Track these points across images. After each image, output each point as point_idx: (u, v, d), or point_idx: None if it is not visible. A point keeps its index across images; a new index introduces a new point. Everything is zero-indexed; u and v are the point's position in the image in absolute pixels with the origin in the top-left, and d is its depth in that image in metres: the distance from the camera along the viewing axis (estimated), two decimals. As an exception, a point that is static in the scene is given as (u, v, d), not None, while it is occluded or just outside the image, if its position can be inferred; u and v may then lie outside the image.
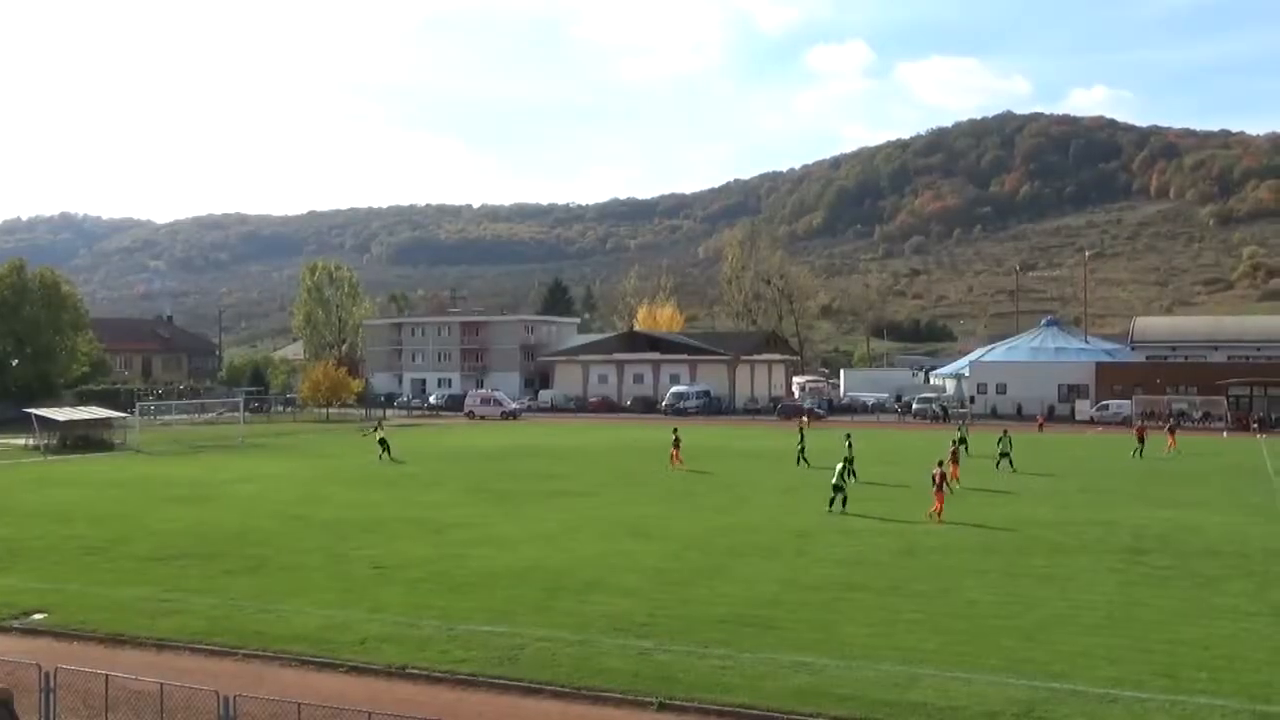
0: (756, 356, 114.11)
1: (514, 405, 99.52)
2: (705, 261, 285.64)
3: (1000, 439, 47.89)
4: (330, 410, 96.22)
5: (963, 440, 47.33)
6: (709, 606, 20.87)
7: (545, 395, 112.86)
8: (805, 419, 71.19)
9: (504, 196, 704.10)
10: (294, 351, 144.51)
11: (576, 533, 30.04)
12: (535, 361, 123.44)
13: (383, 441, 53.94)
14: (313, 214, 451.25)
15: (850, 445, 43.36)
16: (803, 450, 49.05)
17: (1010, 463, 46.24)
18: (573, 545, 28.00)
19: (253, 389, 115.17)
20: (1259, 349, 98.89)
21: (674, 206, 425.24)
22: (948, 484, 33.05)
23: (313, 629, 19.43)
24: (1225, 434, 73.34)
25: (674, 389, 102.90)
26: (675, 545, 27.84)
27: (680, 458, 48.37)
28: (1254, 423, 78.24)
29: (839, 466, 34.66)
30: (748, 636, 18.64)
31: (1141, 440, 54.21)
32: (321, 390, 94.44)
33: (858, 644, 18.14)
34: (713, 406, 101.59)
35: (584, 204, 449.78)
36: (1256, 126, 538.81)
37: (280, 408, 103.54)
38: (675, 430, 51.71)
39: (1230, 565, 25.03)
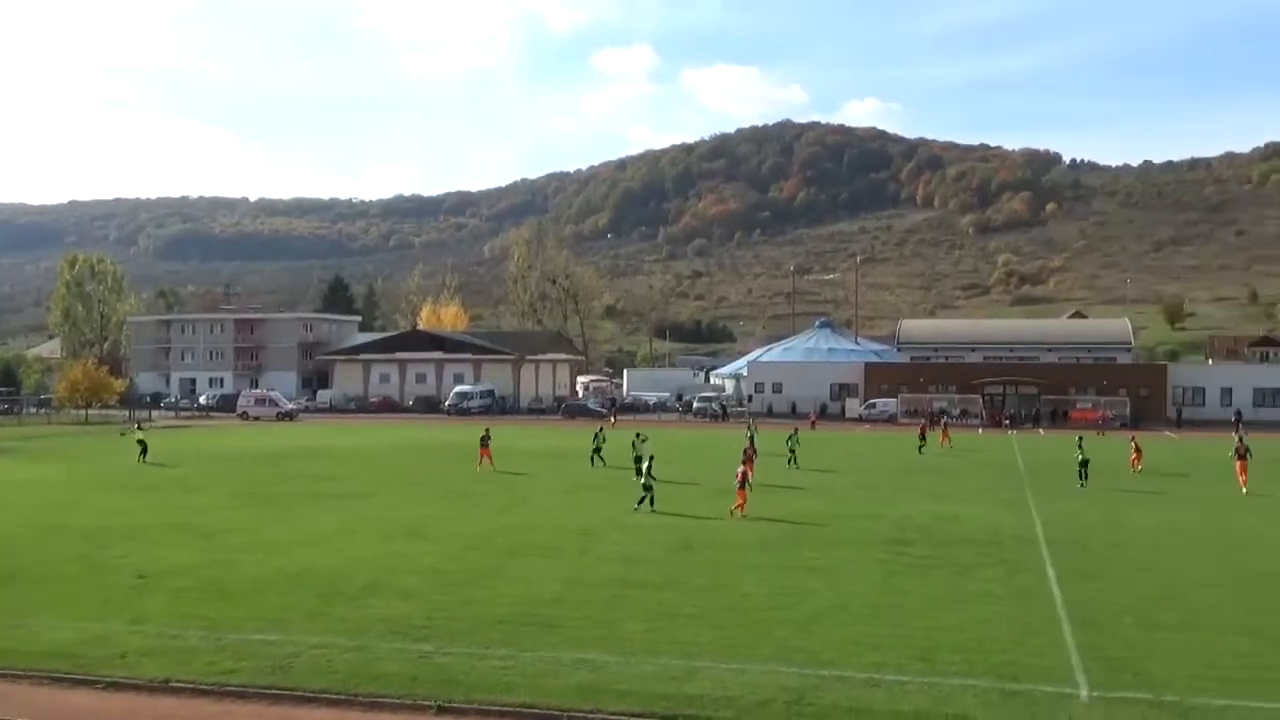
0: (542, 356, 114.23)
1: (290, 406, 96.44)
2: (491, 260, 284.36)
3: (790, 437, 49.71)
4: (90, 412, 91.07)
5: (752, 439, 48.89)
6: (490, 607, 20.71)
7: (324, 395, 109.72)
8: (612, 419, 71.92)
9: (282, 190, 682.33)
10: (50, 349, 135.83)
11: (353, 535, 29.31)
12: (314, 360, 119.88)
13: (141, 443, 51.54)
14: (73, 204, 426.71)
15: (639, 442, 44.07)
16: (599, 450, 49.28)
17: (795, 460, 47.82)
18: (349, 548, 27.30)
19: (3, 389, 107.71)
20: (1011, 350, 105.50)
21: (460, 204, 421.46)
22: (749, 482, 33.49)
23: (68, 644, 18.24)
24: (980, 430, 77.91)
25: (458, 389, 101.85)
26: (455, 546, 27.53)
27: (490, 456, 47.68)
28: (1006, 419, 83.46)
29: (646, 465, 34.87)
30: (529, 636, 18.59)
31: (923, 437, 57.24)
32: (80, 391, 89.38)
33: (637, 639, 18.35)
34: (497, 406, 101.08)
35: (367, 200, 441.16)
36: (1012, 142, 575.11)
37: (34, 409, 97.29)
38: (486, 430, 51.17)
39: (984, 554, 26.56)
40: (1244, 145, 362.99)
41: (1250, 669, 16.71)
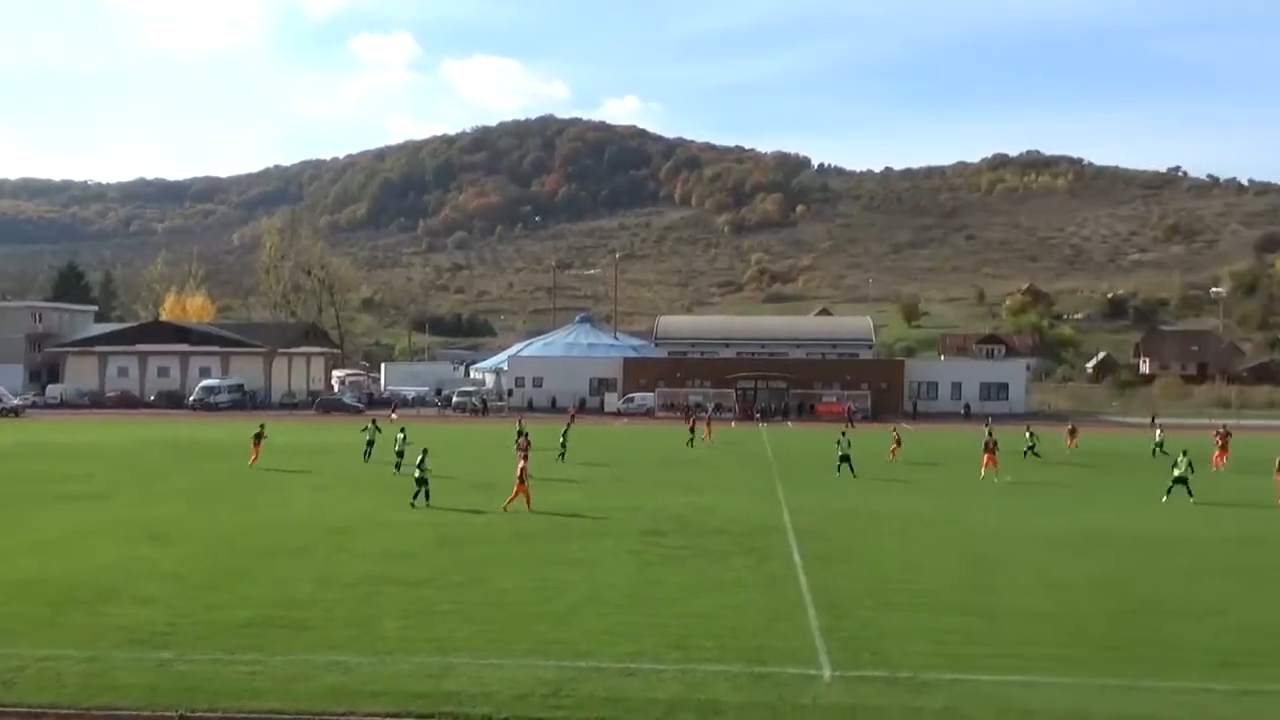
0: (295, 349, 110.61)
1: (16, 401, 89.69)
2: (241, 249, 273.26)
3: (564, 431, 50.27)
4: None
5: (521, 433, 49.39)
6: (236, 610, 19.88)
7: (54, 390, 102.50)
8: (392, 413, 70.33)
9: (8, 170, 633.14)
10: None
11: (88, 539, 27.54)
12: (43, 353, 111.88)
13: None
14: None
15: (402, 438, 43.62)
16: (372, 445, 48.34)
17: (563, 454, 47.98)
18: (83, 553, 25.65)
19: None
20: (763, 346, 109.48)
21: (207, 190, 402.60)
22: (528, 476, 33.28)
23: None
24: (734, 424, 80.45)
25: (204, 383, 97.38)
26: (200, 548, 26.30)
27: (258, 454, 45.93)
28: (757, 413, 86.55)
29: (420, 459, 33.83)
30: (278, 639, 17.96)
31: (693, 430, 58.75)
32: None
33: (392, 638, 18.03)
34: (248, 401, 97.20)
35: (104, 182, 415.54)
36: (765, 144, 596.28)
37: None
38: (261, 426, 49.05)
39: (735, 543, 27.45)
40: (974, 155, 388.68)
41: (975, 645, 17.93)
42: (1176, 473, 35.50)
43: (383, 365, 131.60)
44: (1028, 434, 53.45)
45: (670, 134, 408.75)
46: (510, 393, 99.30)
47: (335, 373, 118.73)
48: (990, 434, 46.00)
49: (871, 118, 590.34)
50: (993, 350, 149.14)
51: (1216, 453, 47.06)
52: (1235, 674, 16.39)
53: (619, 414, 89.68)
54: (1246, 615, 20.11)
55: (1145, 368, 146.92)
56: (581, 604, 20.59)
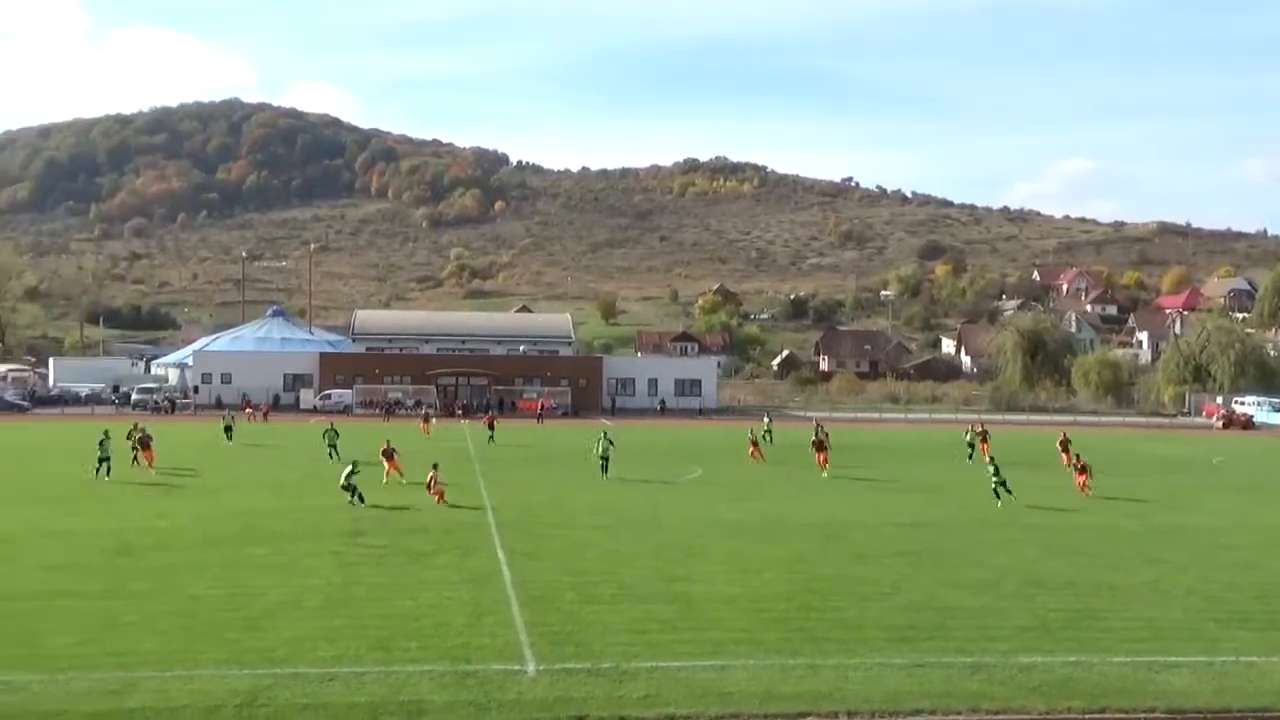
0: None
1: None
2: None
3: (326, 432, 48.30)
4: None
5: (228, 428, 50.30)
6: (-120, 632, 17.91)
7: None
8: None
9: None
10: None
11: None
12: None
13: None
14: None
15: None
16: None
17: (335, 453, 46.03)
18: None
19: None
20: (464, 342, 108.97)
21: None
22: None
23: None
24: (435, 420, 79.55)
25: None
26: None
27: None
28: (459, 409, 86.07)
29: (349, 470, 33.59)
30: (-69, 662, 16.33)
31: (491, 427, 58.97)
32: None
33: (67, 654, 16.76)
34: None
35: None
36: (463, 139, 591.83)
37: None
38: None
39: (437, 540, 27.23)
40: (667, 159, 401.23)
41: (672, 632, 18.63)
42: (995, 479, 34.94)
43: (51, 360, 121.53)
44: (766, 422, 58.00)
45: (365, 124, 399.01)
46: (196, 389, 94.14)
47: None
48: (818, 430, 48.33)
49: (568, 117, 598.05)
50: (686, 347, 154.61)
51: (981, 444, 50.12)
52: (909, 648, 17.81)
53: (315, 410, 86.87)
54: (914, 594, 21.85)
55: (824, 365, 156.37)
56: (277, 609, 19.87)
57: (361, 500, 32.71)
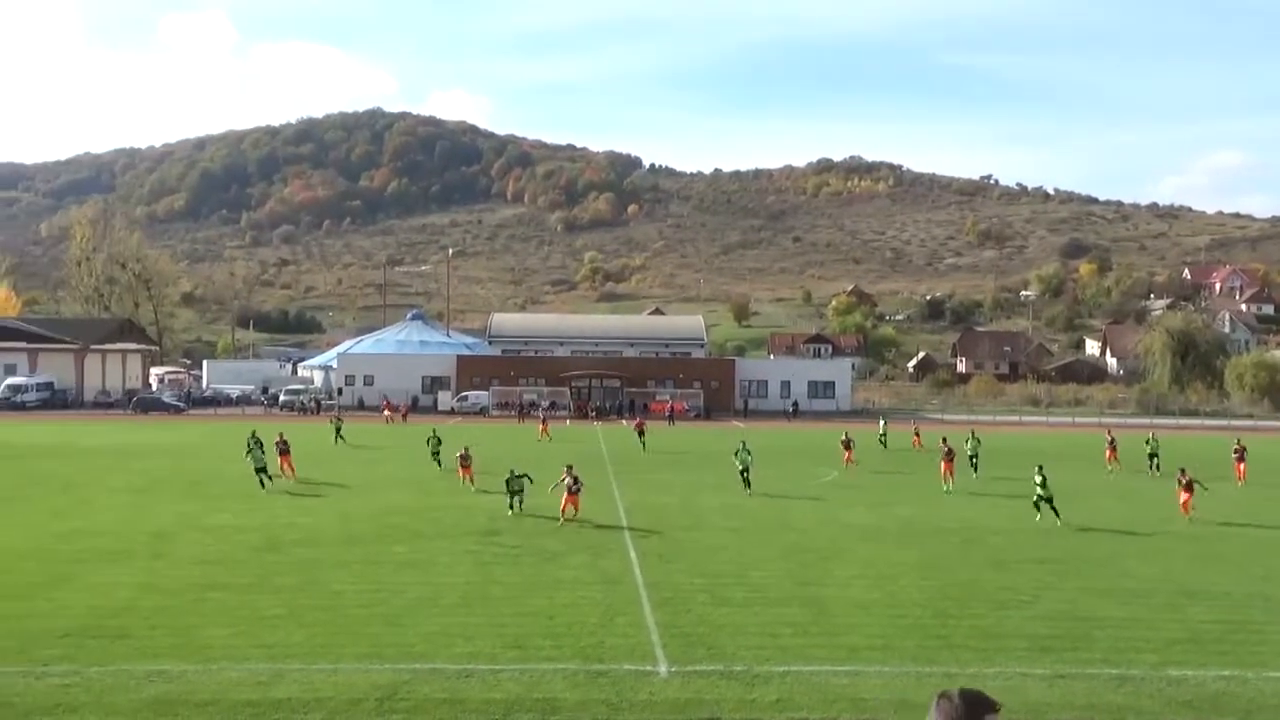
0: (110, 346, 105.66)
1: None
2: (49, 240, 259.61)
3: (430, 439, 47.17)
4: None
5: (338, 430, 51.30)
6: (49, 620, 18.89)
7: None
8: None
9: None
10: None
11: (-120, 548, 25.78)
12: None
13: None
14: None
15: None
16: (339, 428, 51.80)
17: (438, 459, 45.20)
18: (-125, 563, 23.99)
19: None
20: (597, 345, 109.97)
21: (10, 177, 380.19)
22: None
23: None
24: (569, 422, 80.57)
25: (9, 380, 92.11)
26: (7, 556, 24.89)
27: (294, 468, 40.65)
28: (592, 411, 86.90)
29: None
30: (95, 650, 17.16)
31: (641, 432, 57.53)
32: None
33: (219, 645, 17.45)
34: (58, 400, 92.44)
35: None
36: (597, 144, 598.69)
37: None
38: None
39: (570, 541, 27.51)
40: (800, 160, 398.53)
41: (804, 636, 18.44)
42: (1040, 492, 31.83)
43: (205, 363, 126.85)
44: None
45: (501, 130, 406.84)
46: (340, 391, 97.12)
47: (154, 370, 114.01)
48: (945, 441, 43.12)
49: (700, 120, 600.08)
50: (819, 349, 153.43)
51: (1108, 452, 48.54)
52: (1050, 658, 17.30)
53: (453, 412, 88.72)
54: (1056, 603, 21.22)
55: (962, 367, 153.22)
56: (414, 605, 20.32)
57: (519, 506, 31.79)
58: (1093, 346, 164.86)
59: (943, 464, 40.25)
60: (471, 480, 37.61)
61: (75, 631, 18.15)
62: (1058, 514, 31.01)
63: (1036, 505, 31.75)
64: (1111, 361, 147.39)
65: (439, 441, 46.32)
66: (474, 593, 21.49)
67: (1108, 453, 47.83)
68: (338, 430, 56.71)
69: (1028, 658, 17.33)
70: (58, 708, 14.58)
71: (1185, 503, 32.58)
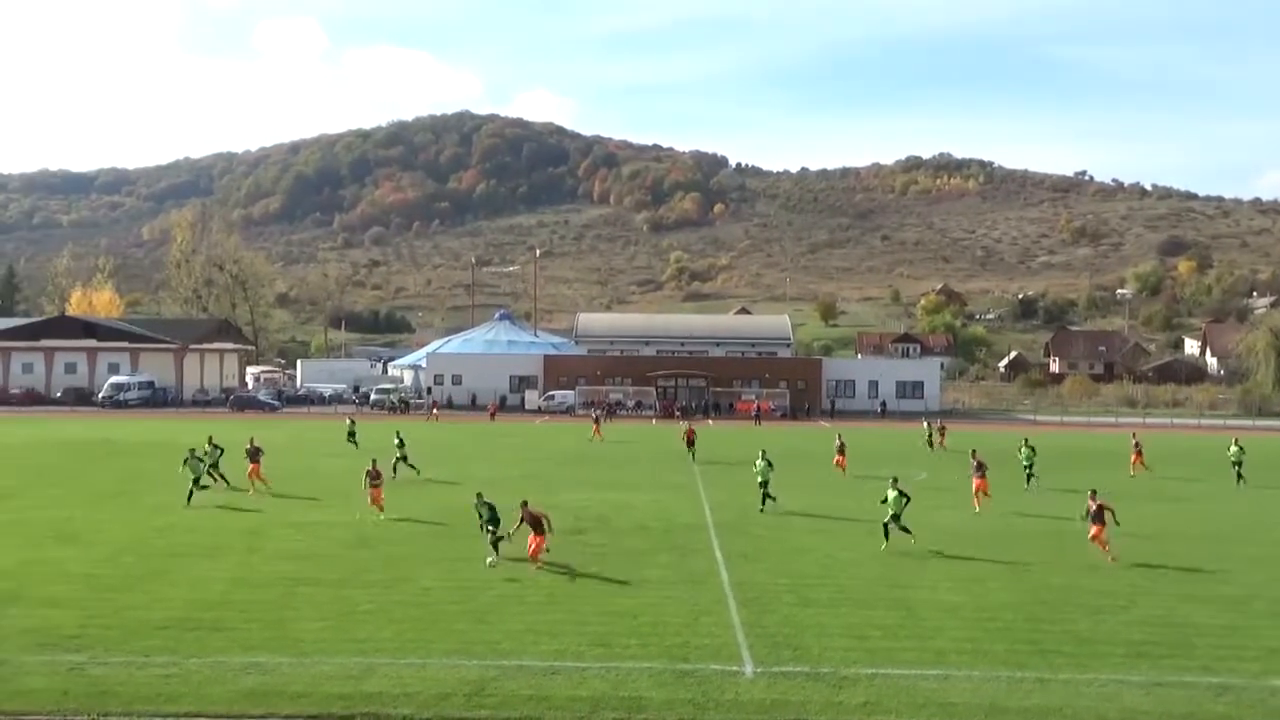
0: (207, 345, 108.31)
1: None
2: (151, 243, 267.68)
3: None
4: None
5: (351, 434, 51.34)
6: (149, 612, 19.46)
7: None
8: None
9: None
10: None
11: (-8, 540, 26.73)
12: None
13: None
14: None
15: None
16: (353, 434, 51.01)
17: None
18: (-13, 555, 24.88)
19: None
20: (682, 344, 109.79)
21: (114, 182, 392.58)
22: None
23: None
24: (654, 421, 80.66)
25: (113, 379, 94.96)
26: (109, 549, 25.66)
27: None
28: (678, 410, 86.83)
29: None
30: (193, 641, 17.63)
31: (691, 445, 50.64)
32: None
33: (311, 639, 17.80)
34: (158, 398, 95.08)
35: (6, 173, 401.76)
36: (682, 144, 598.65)
37: None
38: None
39: (656, 540, 27.53)
40: (888, 157, 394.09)
41: (892, 639, 18.23)
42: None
43: (299, 362, 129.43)
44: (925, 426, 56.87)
45: (586, 131, 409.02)
46: (429, 390, 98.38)
47: (250, 369, 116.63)
48: (975, 454, 36.55)
49: (787, 119, 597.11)
50: (908, 349, 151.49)
51: (1133, 456, 47.32)
52: (1147, 666, 16.87)
53: (540, 411, 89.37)
54: (1153, 609, 20.68)
55: (1055, 367, 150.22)
56: (501, 603, 20.50)
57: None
58: (1192, 346, 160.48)
59: (974, 480, 34.23)
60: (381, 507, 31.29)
61: (173, 623, 18.65)
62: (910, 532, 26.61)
63: (885, 527, 26.79)
64: (1211, 362, 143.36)
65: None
66: (560, 590, 21.62)
67: (1133, 457, 46.05)
68: (351, 434, 52.03)
69: (1124, 664, 16.92)
70: (159, 697, 15.00)
71: None
